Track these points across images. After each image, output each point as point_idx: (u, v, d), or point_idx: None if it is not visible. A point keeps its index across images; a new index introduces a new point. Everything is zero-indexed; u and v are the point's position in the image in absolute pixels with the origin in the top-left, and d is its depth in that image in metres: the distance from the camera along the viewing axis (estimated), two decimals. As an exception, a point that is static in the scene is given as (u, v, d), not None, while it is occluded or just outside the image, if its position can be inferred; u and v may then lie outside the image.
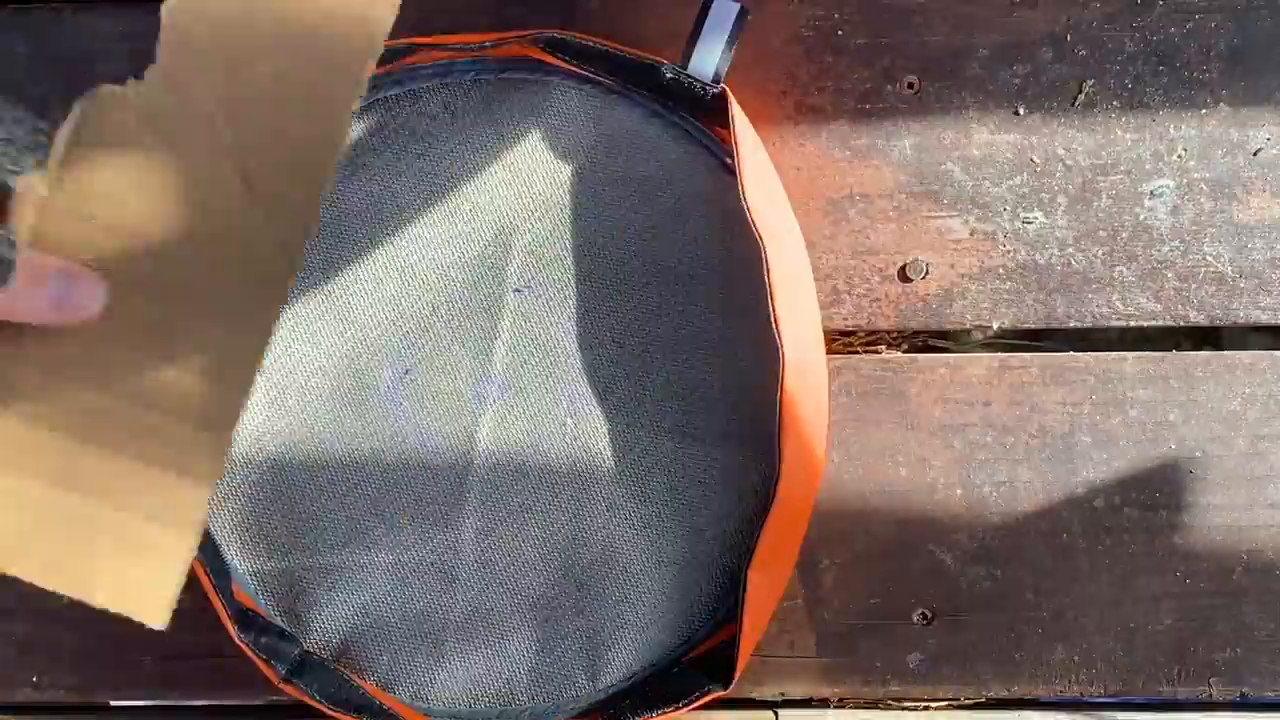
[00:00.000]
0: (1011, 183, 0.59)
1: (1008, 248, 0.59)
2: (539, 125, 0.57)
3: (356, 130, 0.58)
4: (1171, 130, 0.58)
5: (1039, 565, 0.58)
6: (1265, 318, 0.59)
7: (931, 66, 0.59)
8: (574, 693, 0.57)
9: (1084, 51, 0.58)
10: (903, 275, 0.59)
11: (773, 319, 0.52)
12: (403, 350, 0.57)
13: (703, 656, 0.57)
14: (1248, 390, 0.58)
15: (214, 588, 0.54)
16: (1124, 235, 0.59)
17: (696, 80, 0.53)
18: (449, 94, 0.57)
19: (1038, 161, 0.59)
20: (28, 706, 0.60)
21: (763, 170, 0.55)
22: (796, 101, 0.59)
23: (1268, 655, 0.58)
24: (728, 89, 0.53)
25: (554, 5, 0.59)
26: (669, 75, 0.54)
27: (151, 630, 0.58)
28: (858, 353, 0.60)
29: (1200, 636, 0.58)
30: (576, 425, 0.57)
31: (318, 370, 0.57)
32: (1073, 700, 0.59)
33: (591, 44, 0.55)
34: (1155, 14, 0.58)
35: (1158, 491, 0.58)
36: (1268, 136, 0.58)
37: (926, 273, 0.59)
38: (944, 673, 0.59)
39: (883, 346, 0.60)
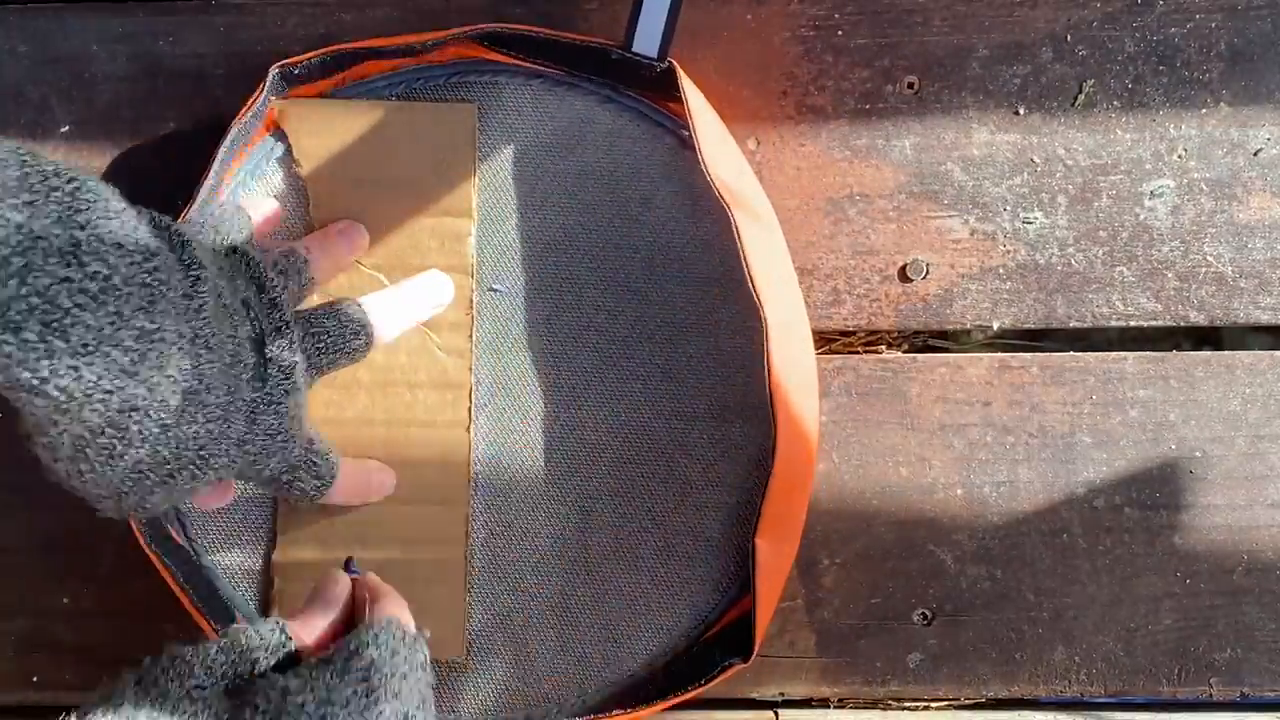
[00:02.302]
0: (1011, 183, 0.59)
1: (1008, 248, 0.59)
2: (496, 124, 0.57)
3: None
4: (1171, 130, 0.58)
5: (1039, 565, 0.58)
6: (1265, 318, 0.59)
7: (931, 66, 0.59)
8: (596, 684, 0.57)
9: (1084, 51, 0.58)
10: (903, 275, 0.59)
11: (749, 283, 0.51)
12: None
13: (717, 635, 0.57)
14: (1248, 390, 0.58)
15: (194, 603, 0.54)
16: (1124, 235, 0.59)
17: (643, 58, 0.53)
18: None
19: (1038, 161, 0.59)
20: (28, 707, 0.60)
21: (723, 140, 0.55)
22: (796, 101, 0.59)
23: (1268, 655, 0.58)
24: (675, 63, 0.53)
25: (553, 6, 0.59)
26: (615, 56, 0.54)
27: (150, 630, 0.59)
28: (858, 353, 0.60)
29: (1200, 636, 0.58)
30: (570, 418, 0.57)
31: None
32: (1073, 700, 0.59)
33: (533, 34, 0.55)
34: (1155, 14, 0.58)
35: (1158, 491, 0.58)
36: (1268, 136, 0.58)
37: (926, 273, 0.59)
38: (944, 673, 0.59)
39: (883, 346, 0.60)
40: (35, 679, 0.60)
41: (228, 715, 0.43)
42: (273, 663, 0.46)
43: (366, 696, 0.45)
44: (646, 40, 0.53)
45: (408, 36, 0.56)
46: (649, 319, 0.57)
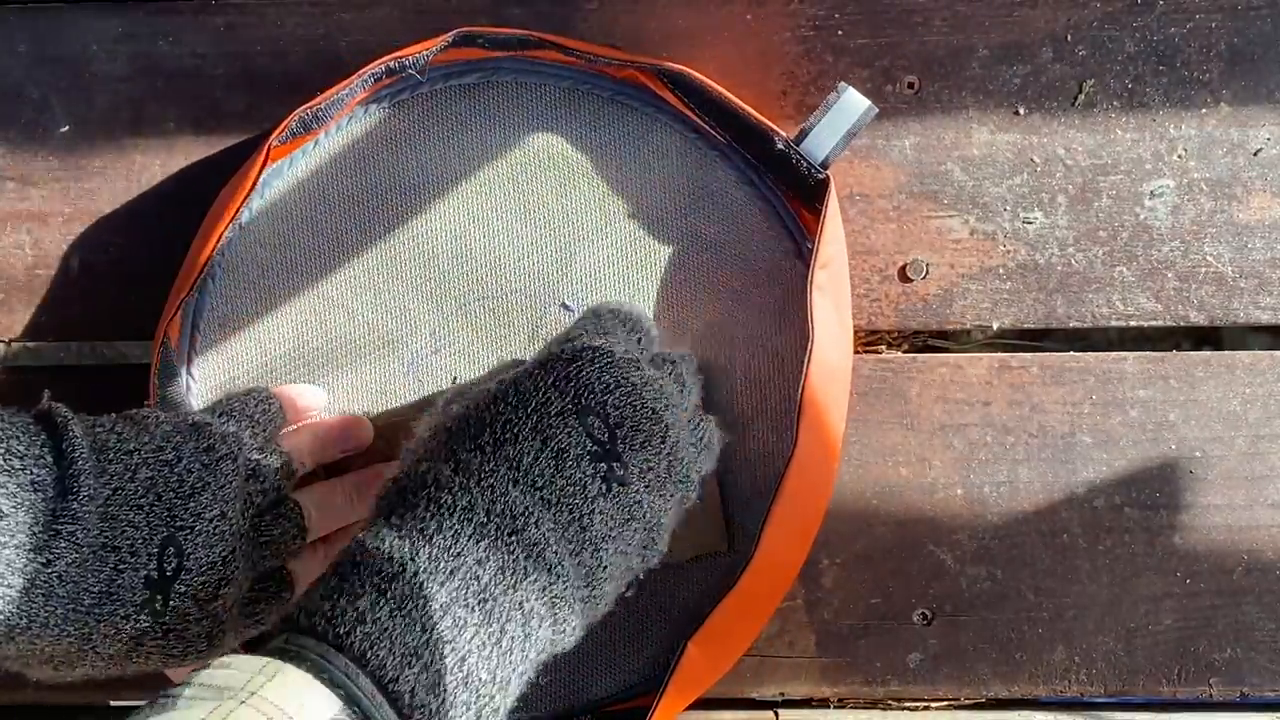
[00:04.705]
0: (1011, 183, 0.59)
1: (1008, 248, 0.59)
2: (635, 157, 0.57)
3: (460, 103, 0.57)
4: (1171, 130, 0.58)
5: (1039, 565, 0.58)
6: (1265, 318, 0.59)
7: (931, 66, 0.59)
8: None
9: (1084, 51, 0.58)
10: (903, 275, 0.59)
11: (796, 409, 0.52)
12: (437, 329, 0.57)
13: (614, 713, 0.56)
14: (1248, 390, 0.58)
15: None
16: (1124, 235, 0.59)
17: (805, 159, 0.53)
18: (558, 97, 0.57)
19: (1038, 161, 0.59)
20: (27, 706, 0.60)
21: (836, 264, 0.54)
22: (797, 101, 0.59)
23: (1268, 655, 0.58)
24: (831, 178, 0.53)
25: (554, 6, 0.59)
26: (780, 146, 0.54)
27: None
28: (858, 353, 0.60)
29: (1200, 636, 0.58)
30: None
31: (356, 315, 0.57)
32: (1073, 700, 0.59)
33: (713, 89, 0.55)
34: (1155, 14, 0.58)
35: (1158, 491, 0.58)
36: (1268, 136, 0.58)
37: (926, 273, 0.59)
38: (944, 673, 0.59)
39: (883, 346, 0.60)
40: (35, 679, 0.60)
41: None
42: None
43: None
44: (816, 145, 0.53)
45: (592, 46, 0.56)
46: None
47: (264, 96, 0.59)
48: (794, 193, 0.56)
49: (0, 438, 0.42)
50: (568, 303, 0.57)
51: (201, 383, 0.57)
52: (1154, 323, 0.59)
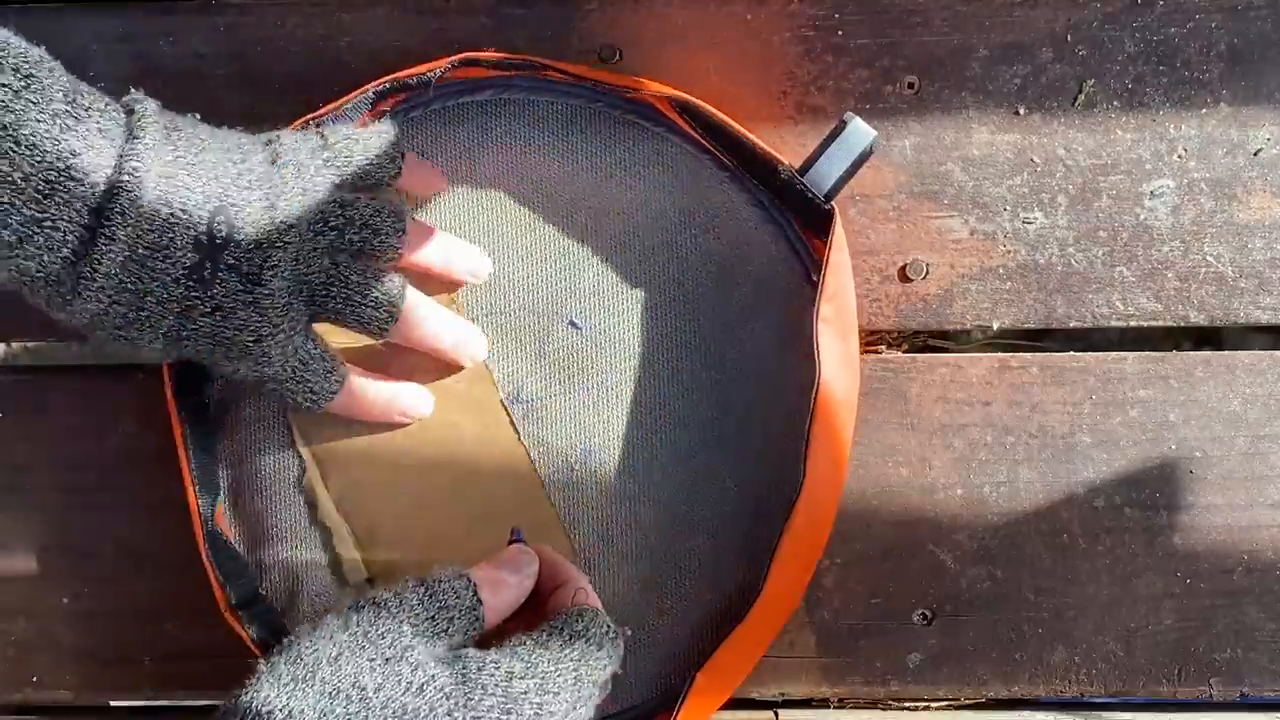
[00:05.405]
0: (1011, 183, 0.59)
1: (1008, 248, 0.59)
2: (646, 176, 0.57)
3: (472, 120, 0.58)
4: (1171, 130, 0.58)
5: (1039, 565, 0.58)
6: (1265, 318, 0.59)
7: (931, 66, 0.59)
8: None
9: (1084, 51, 0.58)
10: (903, 275, 0.59)
11: (805, 443, 0.52)
12: None
13: None
14: (1248, 390, 0.58)
15: (197, 502, 0.54)
16: (1124, 235, 0.59)
17: (809, 190, 0.53)
18: (570, 115, 0.58)
19: (1038, 161, 0.59)
20: (28, 706, 0.60)
21: (842, 296, 0.54)
22: (796, 101, 0.59)
23: (1268, 655, 0.58)
24: (836, 209, 0.53)
25: (553, 6, 0.59)
26: (784, 176, 0.54)
27: (151, 630, 0.59)
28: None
29: (1200, 636, 0.58)
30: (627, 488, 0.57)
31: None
32: (1073, 700, 0.59)
33: (719, 119, 0.55)
34: (1155, 14, 0.58)
35: (1158, 491, 0.58)
36: (1268, 136, 0.58)
37: (926, 273, 0.59)
38: (944, 673, 0.59)
39: (883, 346, 0.60)
40: (35, 679, 0.60)
41: (458, 694, 0.41)
42: (465, 629, 0.45)
43: (575, 689, 0.44)
44: (820, 177, 0.53)
45: (604, 74, 0.56)
46: (697, 421, 0.57)
47: (264, 96, 0.59)
48: (801, 218, 0.57)
49: (69, 89, 0.45)
50: (575, 320, 0.57)
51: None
52: (1154, 323, 0.59)
